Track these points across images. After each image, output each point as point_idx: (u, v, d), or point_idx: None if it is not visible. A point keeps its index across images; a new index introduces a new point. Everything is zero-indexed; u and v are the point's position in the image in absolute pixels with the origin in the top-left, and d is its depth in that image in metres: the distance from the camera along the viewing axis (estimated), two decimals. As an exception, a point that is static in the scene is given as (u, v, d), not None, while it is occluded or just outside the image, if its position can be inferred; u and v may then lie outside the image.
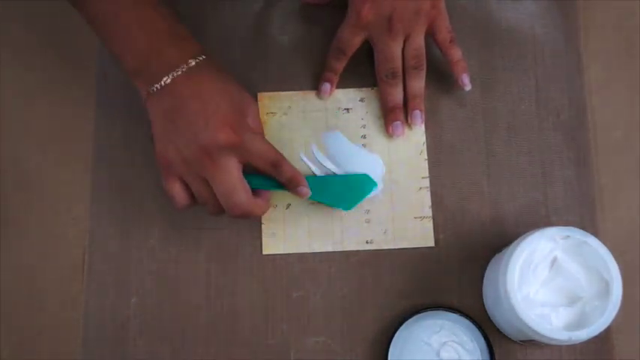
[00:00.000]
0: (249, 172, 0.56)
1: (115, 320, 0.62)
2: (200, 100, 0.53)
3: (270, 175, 0.57)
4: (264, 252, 0.63)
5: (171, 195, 0.56)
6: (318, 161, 0.64)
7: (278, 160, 0.56)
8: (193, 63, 0.54)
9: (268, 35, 0.68)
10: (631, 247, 0.64)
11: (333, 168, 0.64)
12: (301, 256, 0.63)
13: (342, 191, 0.62)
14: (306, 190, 0.58)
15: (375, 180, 0.64)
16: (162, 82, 0.53)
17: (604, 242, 0.53)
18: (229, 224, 0.64)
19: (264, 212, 0.58)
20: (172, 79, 0.53)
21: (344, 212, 0.64)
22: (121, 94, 0.66)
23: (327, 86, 0.65)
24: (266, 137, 0.65)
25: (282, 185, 0.58)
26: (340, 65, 0.64)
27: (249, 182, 0.56)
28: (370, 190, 0.63)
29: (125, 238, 0.64)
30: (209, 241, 0.63)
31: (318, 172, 0.64)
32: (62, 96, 0.68)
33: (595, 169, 0.65)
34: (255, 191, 0.57)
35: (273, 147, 0.56)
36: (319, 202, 0.63)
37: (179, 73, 0.53)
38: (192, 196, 0.56)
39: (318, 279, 0.63)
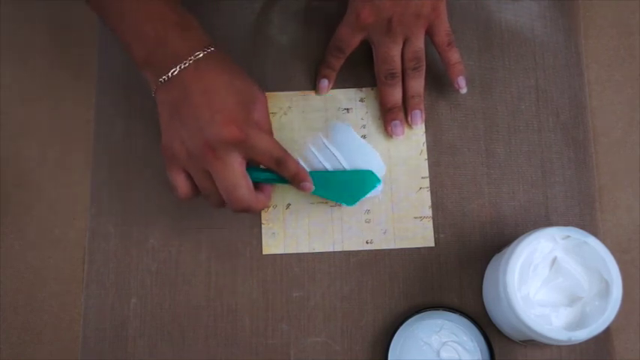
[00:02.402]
0: (253, 165, 0.56)
1: (115, 320, 0.62)
2: (206, 94, 0.53)
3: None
4: (264, 252, 0.63)
5: (173, 185, 0.56)
6: (328, 149, 0.64)
7: (282, 157, 0.56)
8: (201, 55, 0.54)
9: (268, 35, 0.68)
10: (631, 247, 0.64)
11: (340, 158, 0.64)
12: (301, 256, 0.63)
13: (345, 187, 0.62)
14: (310, 186, 0.58)
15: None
16: (170, 74, 0.53)
17: (604, 242, 0.53)
18: (229, 224, 0.64)
19: (265, 207, 0.58)
20: (180, 71, 0.53)
21: (344, 212, 0.64)
22: (121, 94, 0.66)
23: (325, 82, 0.66)
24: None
25: (285, 180, 0.58)
26: (338, 63, 0.65)
27: (252, 176, 0.56)
28: (374, 186, 0.63)
29: (125, 238, 0.64)
30: (209, 241, 0.64)
31: (324, 160, 0.64)
32: (62, 96, 0.68)
33: (595, 169, 0.65)
34: (257, 185, 0.57)
35: (278, 144, 0.56)
36: (320, 200, 0.64)
37: (187, 64, 0.53)
38: (194, 187, 0.56)
39: (318, 279, 0.63)
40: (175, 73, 0.53)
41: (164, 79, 0.54)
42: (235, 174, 0.54)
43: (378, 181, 0.63)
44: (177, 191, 0.56)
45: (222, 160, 0.53)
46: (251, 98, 0.56)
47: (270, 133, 0.58)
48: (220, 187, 0.54)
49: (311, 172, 0.59)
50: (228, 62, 0.56)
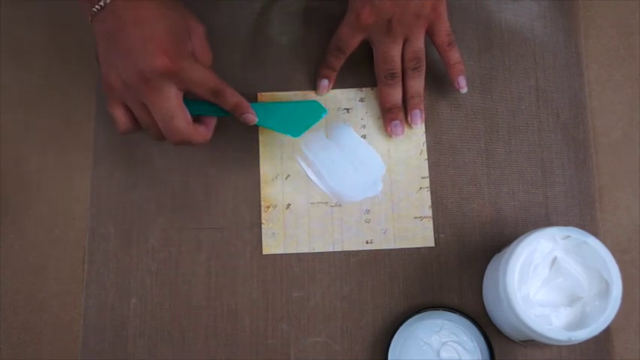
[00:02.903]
0: (194, 98, 0.56)
1: (115, 320, 0.62)
2: (139, 24, 0.52)
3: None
4: (264, 252, 0.63)
5: (113, 119, 0.56)
6: (310, 159, 0.64)
7: (219, 88, 0.55)
8: None
9: (268, 35, 0.68)
10: (631, 247, 0.64)
11: (325, 164, 0.64)
12: (301, 256, 0.63)
13: (291, 117, 0.61)
14: (252, 117, 0.57)
15: (375, 179, 0.64)
16: (103, 2, 0.53)
17: (604, 242, 0.53)
18: (229, 224, 0.64)
19: (205, 139, 0.57)
20: (112, 0, 0.52)
21: (344, 212, 0.64)
22: (121, 94, 0.66)
23: (325, 82, 0.66)
24: (266, 137, 0.65)
25: (227, 112, 0.57)
26: (338, 63, 0.64)
27: (191, 109, 0.55)
28: (319, 116, 0.61)
29: (125, 238, 0.64)
30: (209, 241, 0.64)
31: (324, 159, 0.64)
32: (62, 96, 0.68)
33: (595, 169, 0.65)
34: (199, 118, 0.57)
35: (214, 75, 0.55)
36: (320, 200, 0.64)
37: None
38: (134, 121, 0.56)
39: (318, 279, 0.63)
40: (108, 1, 0.52)
41: (97, 8, 0.53)
42: (170, 104, 0.54)
43: (324, 110, 0.61)
44: (117, 125, 0.56)
45: (157, 91, 0.53)
46: (185, 27, 0.55)
47: (209, 64, 0.57)
48: (157, 119, 0.54)
49: (253, 104, 0.58)
50: None
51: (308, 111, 0.61)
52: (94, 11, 0.53)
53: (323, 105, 0.66)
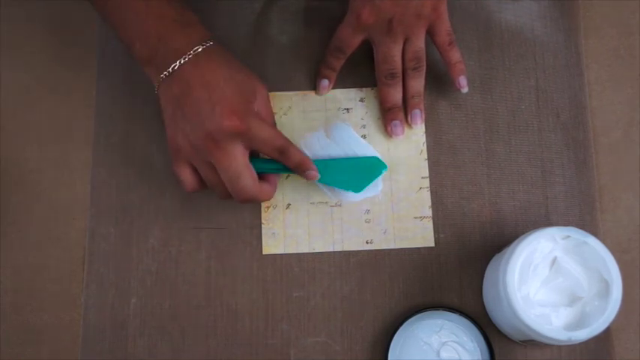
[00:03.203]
0: (257, 156, 0.57)
1: (115, 320, 0.62)
2: (206, 87, 0.54)
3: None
4: (264, 252, 0.63)
5: (180, 179, 0.57)
6: (328, 148, 0.65)
7: (284, 147, 0.57)
8: (200, 49, 0.54)
9: (268, 35, 0.68)
10: (631, 247, 0.64)
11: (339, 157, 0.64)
12: (301, 256, 0.63)
13: (351, 173, 0.62)
14: (315, 174, 0.59)
15: (375, 180, 0.64)
16: (171, 69, 0.54)
17: (604, 242, 0.53)
18: (229, 224, 0.64)
19: (270, 197, 0.59)
20: (180, 66, 0.54)
21: (344, 212, 0.64)
22: (121, 94, 0.66)
23: (325, 82, 0.66)
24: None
25: (290, 169, 0.58)
26: (338, 63, 0.65)
27: (256, 166, 0.56)
28: (380, 172, 0.63)
29: (125, 238, 0.64)
30: (209, 241, 0.64)
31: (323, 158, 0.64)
32: (62, 96, 0.68)
33: (595, 169, 0.65)
34: (262, 175, 0.58)
35: (280, 133, 0.57)
36: (320, 200, 0.64)
37: (186, 59, 0.54)
38: (200, 180, 0.57)
39: (318, 279, 0.63)
40: (176, 68, 0.54)
41: (165, 74, 0.54)
42: (238, 164, 0.55)
43: (385, 166, 0.63)
44: (183, 185, 0.57)
45: (225, 151, 0.54)
46: (251, 89, 0.56)
47: (272, 123, 0.59)
48: (224, 178, 0.55)
49: (315, 161, 0.59)
50: (227, 56, 0.57)
51: (369, 166, 0.63)
52: (161, 78, 0.55)
53: (323, 105, 0.66)
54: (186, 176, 0.57)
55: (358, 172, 0.63)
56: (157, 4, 0.55)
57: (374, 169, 0.63)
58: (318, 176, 0.59)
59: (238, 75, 0.56)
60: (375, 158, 0.63)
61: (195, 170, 0.57)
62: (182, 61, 0.54)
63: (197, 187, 0.58)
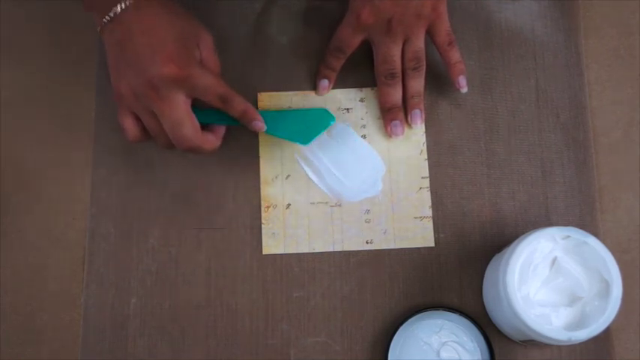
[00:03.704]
0: (203, 107, 0.56)
1: (115, 320, 0.62)
2: (147, 33, 0.53)
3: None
4: (264, 252, 0.63)
5: (123, 127, 0.57)
6: (310, 159, 0.64)
7: (227, 95, 0.56)
8: None
9: (268, 35, 0.68)
10: (631, 247, 0.64)
11: (326, 163, 0.64)
12: (301, 256, 0.63)
13: (299, 125, 0.61)
14: (261, 125, 0.58)
15: (375, 180, 0.64)
16: (112, 13, 0.54)
17: (604, 242, 0.53)
18: (229, 224, 0.64)
19: (214, 147, 0.58)
20: (122, 11, 0.53)
21: (344, 212, 0.64)
22: (121, 94, 0.66)
23: (325, 82, 0.66)
24: (266, 137, 0.65)
25: (235, 120, 0.58)
26: (338, 64, 0.64)
27: (200, 117, 0.56)
28: (328, 124, 0.61)
29: (125, 238, 0.64)
30: (209, 241, 0.63)
31: (310, 172, 0.64)
32: (62, 96, 0.68)
33: (595, 169, 0.65)
34: (207, 126, 0.57)
35: (222, 82, 0.56)
36: (320, 200, 0.64)
37: (127, 3, 0.53)
38: (143, 129, 0.57)
39: (318, 279, 0.63)
40: (118, 12, 0.53)
41: (107, 19, 0.54)
42: (178, 112, 0.54)
43: (332, 118, 0.61)
44: (126, 134, 0.57)
45: (165, 99, 0.54)
46: (193, 36, 0.56)
47: (217, 72, 0.57)
48: (165, 127, 0.55)
49: (262, 112, 0.58)
50: (169, 2, 0.56)
51: (317, 118, 0.61)
52: (104, 22, 0.54)
53: (323, 105, 0.66)
54: (129, 125, 0.56)
55: (306, 124, 0.61)
56: None
57: (322, 121, 0.61)
58: (264, 127, 0.58)
59: (179, 21, 0.55)
60: (324, 110, 0.62)
61: (138, 119, 0.56)
62: (123, 6, 0.53)
63: (140, 136, 0.57)
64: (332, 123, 0.62)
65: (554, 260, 0.55)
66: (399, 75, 0.63)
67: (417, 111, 0.64)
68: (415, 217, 0.64)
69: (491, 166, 0.65)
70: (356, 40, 0.62)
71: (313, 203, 0.64)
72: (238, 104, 0.57)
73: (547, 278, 0.55)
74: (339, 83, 0.66)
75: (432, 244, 0.63)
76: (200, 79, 0.54)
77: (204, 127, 0.57)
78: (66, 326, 0.63)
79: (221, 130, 0.59)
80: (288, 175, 0.65)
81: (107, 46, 0.56)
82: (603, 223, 0.64)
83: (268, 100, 0.66)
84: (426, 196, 0.64)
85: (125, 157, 0.65)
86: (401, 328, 0.60)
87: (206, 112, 0.57)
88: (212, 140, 0.58)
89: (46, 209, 0.65)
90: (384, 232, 0.63)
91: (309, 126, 0.61)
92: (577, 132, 0.65)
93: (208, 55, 0.57)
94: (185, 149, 0.56)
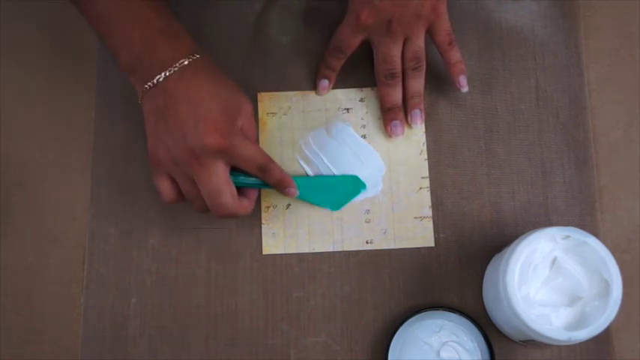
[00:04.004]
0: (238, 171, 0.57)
1: (115, 320, 0.62)
2: (191, 101, 0.53)
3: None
4: (264, 252, 0.63)
5: (159, 190, 0.57)
6: (310, 158, 0.64)
7: (266, 165, 0.56)
8: (186, 62, 0.54)
9: (268, 35, 0.68)
10: (631, 247, 0.64)
11: (326, 163, 0.64)
12: (301, 256, 0.63)
13: (330, 191, 0.63)
14: (294, 191, 0.58)
15: (375, 180, 0.64)
16: (156, 80, 0.54)
17: (604, 242, 0.53)
18: (229, 224, 0.64)
19: (249, 212, 0.58)
20: (165, 78, 0.54)
21: (344, 212, 0.64)
22: (120, 94, 0.66)
23: (325, 82, 0.66)
24: (266, 137, 0.65)
25: (270, 185, 0.58)
26: (338, 64, 0.65)
27: (236, 181, 0.56)
28: (359, 191, 0.63)
29: (125, 238, 0.64)
30: (209, 241, 0.64)
31: (310, 171, 0.64)
32: (62, 96, 0.68)
33: (595, 169, 0.65)
34: (241, 190, 0.57)
35: (262, 151, 0.56)
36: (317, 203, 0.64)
37: (172, 72, 0.53)
38: (179, 192, 0.57)
39: (318, 279, 0.63)
40: (160, 80, 0.54)
41: (149, 85, 0.54)
42: (218, 180, 0.54)
43: (363, 186, 0.63)
44: (162, 196, 0.57)
45: (206, 168, 0.54)
46: (236, 106, 0.56)
47: (255, 140, 0.58)
48: (204, 193, 0.55)
49: (295, 178, 0.59)
50: (213, 70, 0.56)
51: (348, 185, 0.63)
52: (145, 88, 0.54)
53: (323, 105, 0.66)
54: (166, 188, 0.56)
55: (337, 190, 0.63)
56: (144, 14, 0.54)
57: (353, 188, 0.63)
58: (297, 193, 0.59)
59: (224, 91, 0.55)
60: (356, 178, 0.63)
61: (174, 182, 0.56)
62: (167, 74, 0.53)
63: (176, 199, 0.57)
64: (362, 190, 0.63)
65: (554, 260, 0.55)
66: (399, 75, 0.63)
67: (417, 111, 0.64)
68: (415, 217, 0.64)
69: (491, 166, 0.65)
70: (356, 41, 0.62)
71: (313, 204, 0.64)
72: (275, 173, 0.57)
73: (547, 278, 0.55)
74: (339, 83, 0.66)
75: (432, 244, 0.63)
76: (242, 149, 0.54)
77: (239, 190, 0.57)
78: (66, 326, 0.63)
79: (254, 194, 0.59)
80: (288, 175, 0.65)
81: (146, 110, 0.55)
82: (603, 223, 0.64)
83: (268, 100, 0.66)
84: (426, 196, 0.64)
85: (125, 157, 0.65)
86: (401, 328, 0.60)
87: (241, 176, 0.58)
88: (247, 206, 0.58)
89: (46, 209, 0.65)
90: (384, 232, 0.63)
91: (341, 193, 0.63)
92: (577, 132, 0.65)
93: (248, 124, 0.57)
94: (221, 216, 0.56)
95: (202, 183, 0.54)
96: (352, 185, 0.63)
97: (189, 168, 0.54)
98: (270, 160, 0.57)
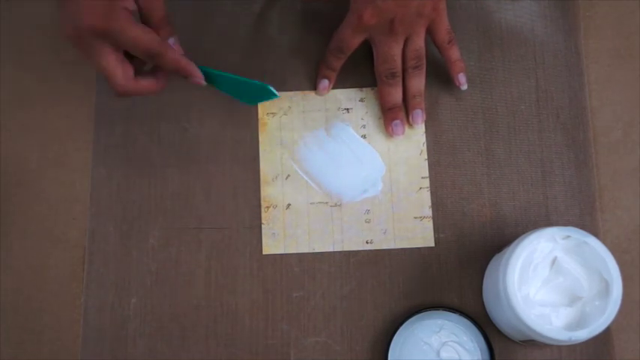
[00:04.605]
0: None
1: (114, 320, 0.62)
2: None
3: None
4: (264, 252, 0.63)
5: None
6: (309, 159, 0.64)
7: (154, 50, 0.53)
8: None
9: (268, 35, 0.68)
10: (631, 247, 0.64)
11: (339, 157, 0.64)
12: (301, 256, 0.63)
13: (243, 91, 0.59)
14: (199, 80, 0.56)
15: (375, 180, 0.64)
16: None
17: (604, 242, 0.53)
18: (229, 224, 0.64)
19: (156, 90, 0.56)
20: None
21: (344, 212, 0.64)
22: (121, 94, 0.66)
23: (325, 82, 0.66)
24: (266, 137, 0.65)
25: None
26: (339, 64, 0.64)
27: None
28: (270, 98, 0.59)
29: (125, 238, 0.64)
30: (209, 241, 0.64)
31: (306, 178, 0.64)
32: (62, 96, 0.68)
33: (595, 169, 0.65)
34: (154, 69, 0.56)
35: (152, 35, 0.53)
36: (320, 200, 0.64)
37: None
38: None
39: (318, 279, 0.63)
40: None
41: None
42: (105, 63, 0.53)
43: (275, 95, 0.58)
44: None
45: (91, 49, 0.52)
46: None
47: (159, 22, 0.55)
48: (101, 74, 0.54)
49: (205, 69, 0.56)
50: None
51: (260, 91, 0.59)
52: None
53: (323, 105, 0.66)
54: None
55: (250, 92, 0.59)
56: None
57: (265, 95, 0.59)
58: (204, 83, 0.56)
59: None
60: (267, 87, 0.58)
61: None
62: None
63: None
64: (273, 98, 0.59)
65: (554, 260, 0.55)
66: (400, 74, 0.63)
67: (419, 111, 0.64)
68: (415, 217, 0.64)
69: (491, 166, 0.65)
70: (356, 41, 0.62)
71: (313, 203, 0.64)
72: (169, 59, 0.54)
73: (547, 278, 0.55)
74: (339, 83, 0.66)
75: (432, 244, 0.63)
76: (124, 33, 0.52)
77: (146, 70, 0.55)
78: (66, 326, 0.63)
79: (163, 74, 0.56)
80: (288, 175, 0.65)
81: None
82: (603, 223, 0.64)
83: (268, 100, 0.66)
84: (426, 196, 0.64)
85: (125, 157, 0.65)
86: (401, 328, 0.60)
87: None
88: (148, 86, 0.55)
89: (46, 209, 0.65)
90: (384, 232, 0.63)
91: (253, 94, 0.60)
92: (577, 132, 0.65)
93: (148, 5, 0.54)
94: (117, 95, 0.55)
95: (93, 64, 0.53)
96: (264, 92, 0.58)
97: (80, 50, 0.53)
98: (161, 45, 0.53)
